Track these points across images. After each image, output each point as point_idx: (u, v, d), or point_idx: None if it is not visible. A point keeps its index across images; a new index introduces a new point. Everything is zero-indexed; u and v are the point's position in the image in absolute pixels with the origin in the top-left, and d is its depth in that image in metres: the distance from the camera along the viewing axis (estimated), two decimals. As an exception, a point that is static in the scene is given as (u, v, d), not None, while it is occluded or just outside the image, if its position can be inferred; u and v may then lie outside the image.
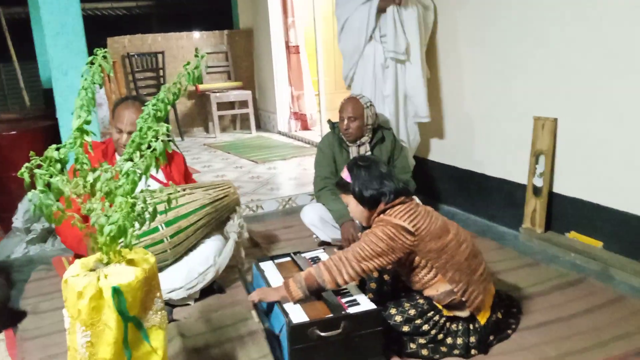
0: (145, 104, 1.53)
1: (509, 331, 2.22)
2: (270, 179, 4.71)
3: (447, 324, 2.06)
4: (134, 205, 1.41)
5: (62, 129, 3.39)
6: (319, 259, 2.44)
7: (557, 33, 2.97)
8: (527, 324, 2.29)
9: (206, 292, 2.63)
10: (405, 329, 2.03)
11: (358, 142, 3.10)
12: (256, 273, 2.36)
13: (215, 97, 6.71)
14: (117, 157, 2.63)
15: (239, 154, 5.79)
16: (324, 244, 3.21)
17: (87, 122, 1.48)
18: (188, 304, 2.56)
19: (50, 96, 3.63)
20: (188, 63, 1.55)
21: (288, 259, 2.48)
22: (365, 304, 2.02)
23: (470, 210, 3.80)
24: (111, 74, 1.55)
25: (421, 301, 2.07)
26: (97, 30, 6.91)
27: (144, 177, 1.47)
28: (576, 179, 3.01)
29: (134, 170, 1.43)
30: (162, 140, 1.45)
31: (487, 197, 3.62)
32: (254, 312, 2.29)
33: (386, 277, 2.25)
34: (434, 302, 2.07)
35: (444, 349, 2.06)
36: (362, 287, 2.23)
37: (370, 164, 2.16)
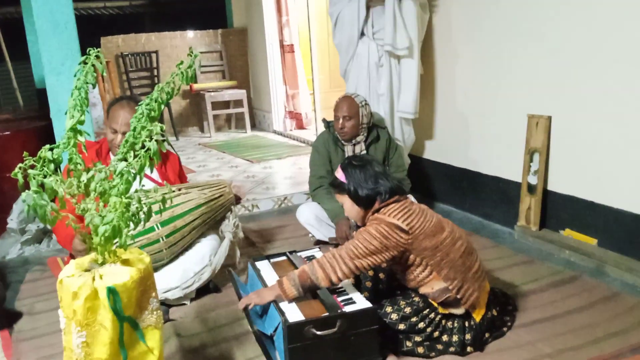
0: (140, 103, 1.52)
1: (505, 328, 2.23)
2: (265, 178, 4.71)
3: (443, 322, 2.07)
4: (128, 205, 1.41)
5: (55, 129, 3.38)
6: (315, 258, 2.44)
7: (551, 31, 2.98)
8: (522, 322, 2.30)
9: (202, 291, 2.63)
10: (401, 327, 2.04)
11: (353, 141, 3.10)
12: (252, 272, 2.35)
13: (210, 96, 6.70)
14: (111, 156, 2.63)
15: (234, 153, 5.78)
16: (319, 243, 3.21)
17: (81, 122, 1.48)
18: (184, 304, 2.56)
19: (43, 96, 3.62)
20: (181, 62, 1.54)
21: (284, 258, 2.48)
22: (361, 302, 2.02)
23: (465, 208, 3.81)
24: (104, 73, 1.54)
25: (417, 299, 2.08)
26: (91, 30, 6.89)
27: (138, 177, 1.47)
28: (570, 177, 3.02)
29: (128, 170, 1.43)
30: (156, 140, 1.44)
31: (482, 195, 3.64)
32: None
33: (382, 275, 2.25)
34: (430, 300, 2.07)
35: (439, 346, 2.07)
36: (358, 285, 2.24)
37: (365, 163, 2.16)
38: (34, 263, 3.21)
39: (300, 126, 6.75)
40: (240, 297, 2.12)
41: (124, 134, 2.48)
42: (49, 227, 3.28)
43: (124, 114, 2.51)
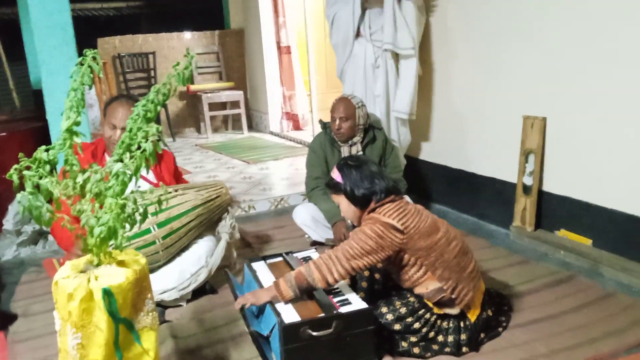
0: (136, 104, 1.53)
1: (500, 329, 2.24)
2: (262, 179, 4.71)
3: (438, 322, 2.08)
4: (124, 206, 1.41)
5: (52, 130, 3.38)
6: (311, 259, 2.44)
7: (547, 32, 2.99)
8: (518, 322, 2.30)
9: (198, 293, 2.63)
10: (397, 327, 2.04)
11: (350, 142, 3.11)
12: (248, 273, 2.35)
13: (206, 97, 6.70)
14: (107, 158, 2.63)
15: (231, 154, 5.78)
16: (316, 244, 3.21)
17: (77, 124, 1.48)
18: (180, 305, 2.56)
19: (40, 97, 3.62)
20: (178, 64, 1.55)
21: (280, 259, 2.48)
22: (356, 303, 2.03)
23: (460, 209, 3.82)
24: (100, 75, 1.55)
25: (412, 299, 2.08)
26: (88, 30, 6.88)
27: (134, 178, 1.47)
28: (565, 178, 3.03)
29: (123, 171, 1.43)
30: (151, 141, 1.44)
31: (477, 196, 3.64)
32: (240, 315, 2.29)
33: (377, 275, 2.26)
34: (425, 300, 2.08)
35: (435, 346, 2.07)
36: (354, 286, 2.24)
37: (361, 163, 2.17)
38: (30, 264, 3.21)
39: (297, 127, 6.76)
40: (236, 298, 2.13)
41: (123, 129, 2.47)
42: (44, 228, 3.28)
43: (123, 110, 2.52)
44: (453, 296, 2.04)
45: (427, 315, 2.06)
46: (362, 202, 2.12)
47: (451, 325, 2.07)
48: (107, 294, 1.37)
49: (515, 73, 3.21)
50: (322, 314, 1.93)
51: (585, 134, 2.87)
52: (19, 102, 5.58)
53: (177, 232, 2.47)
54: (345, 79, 3.67)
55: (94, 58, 1.51)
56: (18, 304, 2.69)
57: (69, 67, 2.96)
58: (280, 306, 1.99)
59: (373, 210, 2.10)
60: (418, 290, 2.08)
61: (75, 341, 1.39)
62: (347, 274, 1.99)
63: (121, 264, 1.48)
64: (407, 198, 2.75)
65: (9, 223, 3.39)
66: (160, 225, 2.41)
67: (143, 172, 1.49)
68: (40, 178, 1.39)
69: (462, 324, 2.08)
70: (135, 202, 1.44)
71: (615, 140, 2.73)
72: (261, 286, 2.16)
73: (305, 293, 2.03)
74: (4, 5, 7.86)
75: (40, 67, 3.29)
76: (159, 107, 1.53)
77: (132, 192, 1.49)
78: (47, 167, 1.41)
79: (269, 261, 2.45)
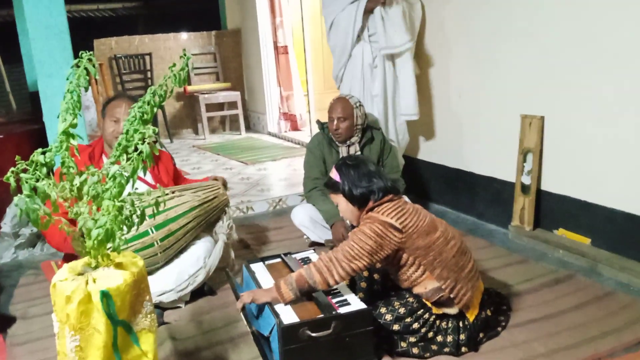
0: (132, 106, 1.52)
1: (499, 328, 2.24)
2: (260, 180, 4.71)
3: (437, 322, 2.08)
4: (121, 208, 1.41)
5: (48, 133, 3.37)
6: (310, 260, 2.44)
7: (544, 31, 2.99)
8: (517, 321, 2.30)
9: (197, 294, 2.62)
10: (396, 327, 2.04)
11: (347, 142, 3.10)
12: (246, 275, 2.35)
13: (204, 98, 6.69)
14: (104, 160, 2.62)
15: (229, 155, 5.78)
16: (314, 245, 3.21)
17: (73, 126, 1.47)
18: (179, 307, 2.55)
19: (36, 99, 3.61)
20: (174, 65, 1.54)
21: (278, 260, 2.47)
22: (355, 303, 2.02)
23: (459, 208, 3.82)
24: (97, 76, 1.54)
25: (411, 300, 2.08)
26: (84, 32, 6.88)
27: (131, 179, 1.46)
28: (564, 177, 3.03)
29: (120, 173, 1.43)
30: (148, 143, 1.44)
31: (476, 196, 3.65)
32: (241, 315, 2.29)
33: (376, 276, 2.26)
34: (424, 300, 2.07)
35: (434, 347, 2.07)
36: (353, 286, 2.24)
37: (359, 162, 2.17)
38: (28, 267, 3.20)
39: (294, 128, 6.76)
40: (238, 298, 2.13)
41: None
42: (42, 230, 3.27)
43: (125, 104, 2.58)
44: (452, 296, 2.04)
45: (426, 316, 2.06)
46: (360, 201, 2.12)
47: (450, 325, 2.07)
48: (105, 296, 1.37)
49: (513, 72, 3.21)
50: (321, 315, 1.93)
51: (583, 132, 2.88)
52: (15, 104, 5.57)
53: (175, 234, 2.47)
54: (343, 80, 3.67)
55: (90, 60, 1.51)
56: (16, 307, 2.68)
57: (66, 69, 2.95)
58: (279, 307, 1.98)
59: (371, 209, 2.10)
60: (417, 290, 2.08)
61: (73, 344, 1.39)
62: (347, 275, 1.99)
63: (119, 266, 1.48)
64: (405, 198, 2.75)
65: (6, 226, 3.39)
66: (158, 227, 2.41)
67: (140, 173, 1.48)
68: (37, 181, 1.39)
69: (461, 324, 2.08)
70: (132, 204, 1.44)
71: (614, 139, 2.73)
72: (260, 287, 2.16)
73: (305, 295, 2.02)
74: (-1, 7, 7.85)
75: (36, 69, 3.28)
76: (155, 109, 1.52)
77: (129, 194, 1.48)
78: (44, 170, 1.41)
79: (267, 262, 2.45)
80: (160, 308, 2.48)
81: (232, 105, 6.98)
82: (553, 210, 3.12)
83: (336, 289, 2.14)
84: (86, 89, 1.54)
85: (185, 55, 1.55)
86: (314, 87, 6.19)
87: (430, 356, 2.07)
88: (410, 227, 2.01)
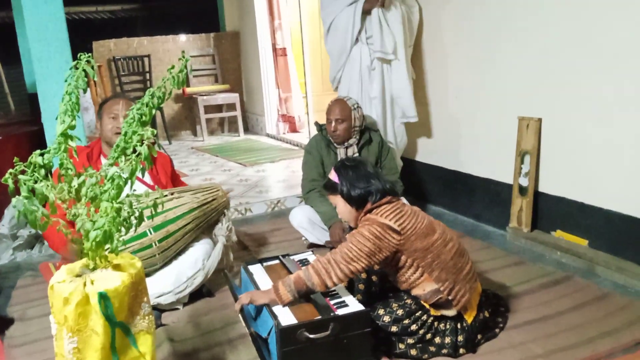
0: (131, 108, 1.53)
1: (497, 330, 2.24)
2: (258, 182, 4.71)
3: (435, 324, 2.08)
4: (119, 210, 1.41)
5: (47, 134, 3.37)
6: (308, 262, 2.45)
7: (541, 33, 3.00)
8: (515, 322, 2.31)
9: (195, 296, 2.62)
10: (394, 329, 2.04)
11: (346, 144, 3.11)
12: (245, 276, 2.35)
13: (202, 100, 6.70)
14: (103, 160, 2.62)
15: (227, 157, 5.78)
16: (312, 246, 3.21)
17: (72, 127, 1.48)
18: (177, 309, 2.55)
19: (35, 101, 3.61)
20: (173, 67, 1.55)
21: (277, 261, 2.47)
22: (353, 305, 2.03)
23: (457, 210, 3.82)
24: (95, 78, 1.55)
25: (409, 301, 2.09)
26: (83, 34, 6.88)
27: (129, 181, 1.47)
28: (561, 178, 3.04)
29: (119, 175, 1.43)
30: (147, 145, 1.44)
31: (473, 197, 3.65)
32: (240, 316, 2.29)
33: (374, 278, 2.26)
34: (422, 302, 2.08)
35: (432, 348, 2.07)
36: (351, 288, 2.24)
37: (357, 164, 2.18)
38: (26, 269, 3.19)
39: (293, 129, 6.76)
40: (236, 299, 2.13)
41: (125, 117, 2.49)
42: (40, 232, 3.27)
43: (123, 102, 2.61)
44: (450, 297, 2.04)
45: (424, 317, 2.06)
46: (358, 203, 2.13)
47: (448, 326, 2.08)
48: (103, 297, 1.37)
49: (510, 74, 3.22)
50: (319, 317, 1.93)
51: (580, 134, 2.88)
52: (14, 106, 5.57)
53: (173, 236, 2.47)
54: (341, 81, 3.68)
55: (89, 61, 1.51)
56: (14, 309, 2.68)
57: (64, 71, 2.96)
58: (277, 308, 1.99)
59: (370, 211, 2.10)
60: (415, 292, 2.09)
61: (71, 345, 1.39)
62: (346, 277, 1.99)
63: (117, 267, 1.48)
64: (403, 200, 2.76)
65: (5, 227, 3.39)
66: (156, 228, 2.41)
67: (138, 174, 1.48)
68: (36, 182, 1.39)
69: (459, 326, 2.08)
70: (130, 205, 1.44)
71: (611, 141, 2.74)
72: (258, 289, 2.16)
73: (304, 297, 2.03)
74: (-2, 8, 7.84)
75: (35, 71, 3.28)
76: (153, 111, 1.53)
77: (127, 195, 1.48)
78: (42, 171, 1.41)
79: (265, 264, 2.45)
80: (158, 310, 2.48)
81: (231, 107, 6.99)
82: (550, 211, 3.13)
83: (334, 290, 2.14)
84: (85, 91, 1.54)
85: (184, 57, 1.56)
86: (312, 89, 6.20)
87: (428, 358, 2.07)
88: (409, 229, 2.01)
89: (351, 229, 2.24)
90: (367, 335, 1.97)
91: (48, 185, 1.40)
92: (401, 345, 2.06)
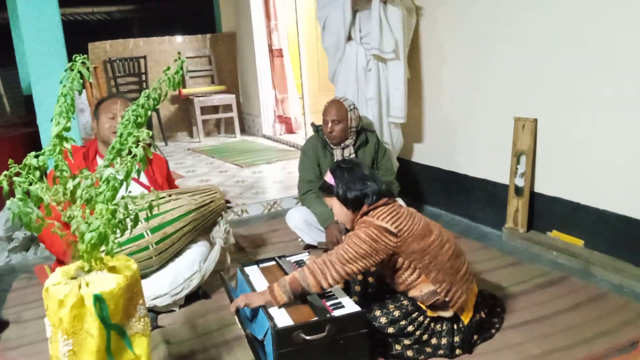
0: (126, 109, 1.52)
1: (493, 330, 2.24)
2: (255, 183, 4.71)
3: (432, 325, 2.08)
4: (114, 212, 1.41)
5: (42, 136, 3.36)
6: (304, 263, 2.44)
7: (537, 34, 3.01)
8: (511, 323, 2.31)
9: (191, 298, 2.61)
10: (390, 330, 2.04)
11: (342, 145, 3.11)
12: (241, 278, 2.35)
13: (198, 101, 6.69)
14: (98, 160, 2.62)
15: (224, 158, 5.77)
16: (309, 247, 3.21)
17: (67, 129, 1.47)
18: (173, 310, 2.54)
19: (30, 103, 3.60)
20: (168, 68, 1.55)
21: (273, 263, 2.47)
22: (350, 306, 2.02)
23: (453, 210, 3.83)
24: (91, 80, 1.54)
25: (405, 302, 2.09)
26: (78, 35, 6.85)
27: (125, 183, 1.46)
28: (557, 179, 3.05)
29: (114, 176, 1.43)
30: (142, 147, 1.44)
31: (470, 198, 3.66)
32: (236, 318, 2.28)
33: (370, 279, 2.25)
34: (418, 303, 2.08)
35: (428, 349, 2.07)
36: (347, 289, 2.24)
37: (353, 166, 2.17)
38: (21, 271, 3.18)
39: (289, 130, 6.76)
40: (232, 301, 2.12)
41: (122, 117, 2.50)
42: (35, 234, 3.26)
43: (120, 101, 2.61)
44: (447, 299, 2.04)
45: (421, 318, 2.06)
46: (354, 205, 2.13)
47: (444, 327, 2.08)
48: (98, 300, 1.37)
49: (506, 75, 3.23)
50: (315, 318, 1.93)
51: (576, 134, 2.89)
52: (9, 108, 5.56)
53: (170, 237, 2.46)
54: (338, 81, 3.68)
55: (84, 63, 1.51)
56: (9, 311, 2.67)
57: (60, 72, 2.95)
58: (273, 310, 1.98)
59: (366, 213, 2.10)
60: (412, 293, 2.09)
61: (66, 348, 1.38)
62: (341, 278, 1.99)
63: (112, 269, 1.48)
64: (400, 201, 2.76)
65: (0, 229, 3.38)
66: (153, 230, 2.40)
67: (134, 175, 1.48)
68: (31, 184, 1.38)
69: (455, 327, 2.08)
70: (126, 207, 1.43)
71: (606, 141, 2.74)
72: (254, 291, 2.16)
73: (299, 298, 2.02)
74: (-7, 10, 7.80)
75: (30, 73, 3.28)
76: (149, 112, 1.52)
77: (122, 197, 1.48)
78: (37, 173, 1.40)
79: (261, 265, 2.45)
80: (154, 312, 2.48)
81: (227, 108, 6.98)
82: (546, 212, 3.13)
83: (330, 291, 2.14)
84: (80, 92, 1.54)
85: (179, 58, 1.55)
86: (308, 90, 6.20)
87: (425, 359, 2.07)
88: (405, 231, 2.01)
89: (347, 230, 2.23)
90: (363, 336, 1.97)
91: (43, 188, 1.39)
92: (397, 347, 2.06)
